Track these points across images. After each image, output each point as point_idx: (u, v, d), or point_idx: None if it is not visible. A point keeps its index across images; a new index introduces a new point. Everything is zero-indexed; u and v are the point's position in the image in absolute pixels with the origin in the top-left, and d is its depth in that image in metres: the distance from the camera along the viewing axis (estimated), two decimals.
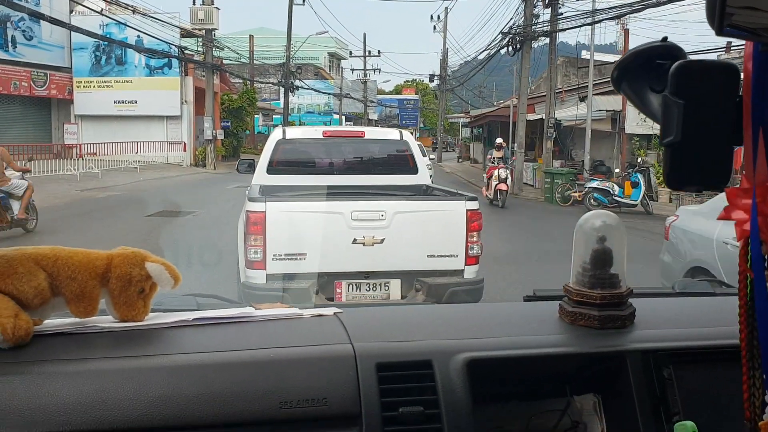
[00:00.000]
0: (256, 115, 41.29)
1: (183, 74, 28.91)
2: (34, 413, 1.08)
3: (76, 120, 29.32)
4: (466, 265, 5.33)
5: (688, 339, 1.41)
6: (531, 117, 21.20)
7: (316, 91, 45.64)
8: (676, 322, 1.53)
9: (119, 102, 29.19)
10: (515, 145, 20.57)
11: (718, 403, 1.32)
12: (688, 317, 1.59)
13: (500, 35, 20.50)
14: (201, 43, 28.37)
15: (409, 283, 5.32)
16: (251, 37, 40.20)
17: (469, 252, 5.32)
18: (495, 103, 44.73)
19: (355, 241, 5.13)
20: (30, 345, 1.24)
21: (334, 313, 1.49)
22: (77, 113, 29.38)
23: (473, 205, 5.36)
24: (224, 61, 31.88)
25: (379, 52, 60.29)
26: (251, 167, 6.86)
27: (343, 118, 50.96)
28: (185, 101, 29.14)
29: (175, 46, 27.28)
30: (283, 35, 37.98)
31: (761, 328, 0.75)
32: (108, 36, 26.18)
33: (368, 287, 5.30)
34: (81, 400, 1.11)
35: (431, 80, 50.44)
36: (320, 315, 1.49)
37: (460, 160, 43.59)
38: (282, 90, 38.24)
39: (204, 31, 27.90)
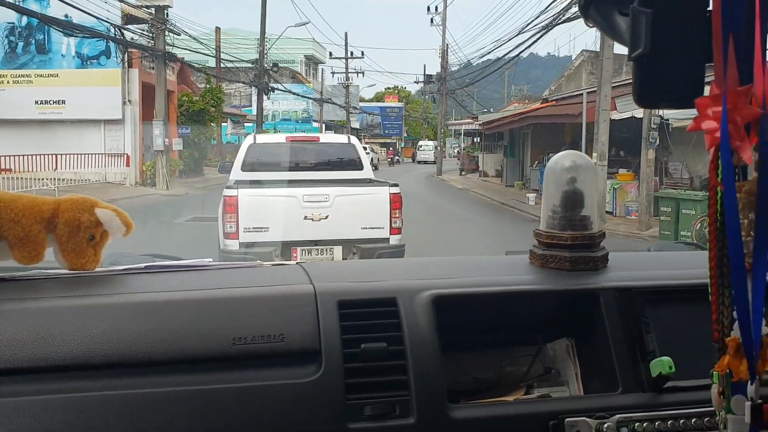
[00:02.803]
0: (224, 123, 34.50)
1: (125, 66, 22.10)
2: None
3: None
4: (390, 234, 7.09)
5: (662, 279, 1.40)
6: (615, 116, 14.98)
7: (294, 94, 39.39)
8: (650, 266, 1.55)
9: (42, 102, 22.22)
10: (595, 155, 14.38)
11: (694, 340, 1.27)
12: (662, 262, 1.60)
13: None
14: (150, 26, 21.60)
15: (348, 249, 6.98)
16: (218, 29, 33.67)
17: (393, 225, 7.09)
18: (496, 111, 39.09)
19: (306, 218, 6.89)
20: None
21: (297, 263, 1.47)
22: None
23: (395, 189, 7.18)
24: (188, 63, 25.00)
25: (362, 53, 54.66)
26: (230, 169, 8.42)
27: (323, 126, 45.02)
28: (129, 101, 22.25)
29: (115, 26, 20.53)
30: (256, 35, 31.78)
31: (731, 242, 0.74)
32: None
33: (317, 252, 6.98)
34: (17, 337, 1.08)
35: (428, 81, 44.17)
36: (282, 264, 1.50)
37: (464, 173, 37.49)
38: (255, 92, 32.27)
39: (154, 9, 21.33)
